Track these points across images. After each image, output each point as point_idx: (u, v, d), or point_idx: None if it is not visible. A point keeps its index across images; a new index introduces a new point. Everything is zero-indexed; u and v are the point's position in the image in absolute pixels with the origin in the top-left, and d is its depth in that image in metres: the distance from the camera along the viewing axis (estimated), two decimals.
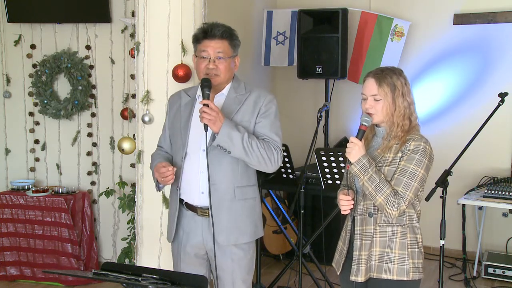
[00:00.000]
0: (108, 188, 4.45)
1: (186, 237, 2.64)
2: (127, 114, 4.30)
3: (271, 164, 2.52)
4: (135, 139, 3.59)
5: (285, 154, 3.90)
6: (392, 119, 2.35)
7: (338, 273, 2.53)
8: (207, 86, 2.48)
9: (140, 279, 1.89)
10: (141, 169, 3.32)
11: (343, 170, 3.63)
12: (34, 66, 4.67)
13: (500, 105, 3.16)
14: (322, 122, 4.68)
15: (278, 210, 4.69)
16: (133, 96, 4.24)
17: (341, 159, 3.61)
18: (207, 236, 2.58)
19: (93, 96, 4.65)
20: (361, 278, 2.36)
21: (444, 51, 5.17)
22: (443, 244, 2.97)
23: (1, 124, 4.80)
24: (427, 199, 2.90)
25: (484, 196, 4.42)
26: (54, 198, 4.36)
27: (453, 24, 5.11)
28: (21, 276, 4.44)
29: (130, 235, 4.20)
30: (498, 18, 4.94)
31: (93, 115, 4.66)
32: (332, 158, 3.65)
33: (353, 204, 2.38)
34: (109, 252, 4.73)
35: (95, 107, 4.66)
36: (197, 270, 2.65)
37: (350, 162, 2.31)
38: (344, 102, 5.56)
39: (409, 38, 5.08)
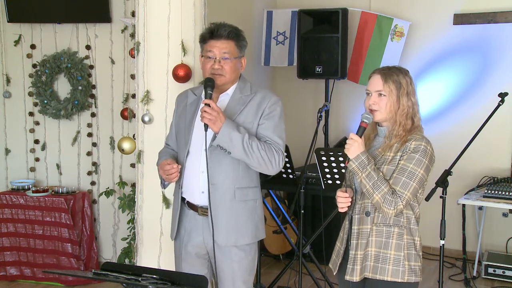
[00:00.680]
0: (108, 188, 4.45)
1: (188, 236, 2.65)
2: (127, 114, 4.30)
3: (272, 166, 2.51)
4: (135, 139, 3.59)
5: (285, 154, 3.89)
6: (395, 117, 2.34)
7: (334, 273, 2.52)
8: (210, 86, 2.49)
9: (140, 279, 1.89)
10: (141, 169, 3.32)
11: (343, 170, 3.62)
12: (34, 66, 4.68)
13: (500, 105, 3.16)
14: (322, 122, 4.68)
15: (278, 210, 4.68)
16: (133, 96, 4.24)
17: (341, 159, 3.61)
18: (207, 236, 2.58)
19: (93, 96, 4.65)
20: (356, 278, 2.35)
21: (444, 51, 5.17)
22: (443, 244, 2.97)
23: (1, 124, 4.80)
24: (427, 199, 2.90)
25: (484, 196, 4.42)
26: (54, 198, 4.36)
27: (453, 24, 5.11)
28: (21, 276, 4.44)
29: (130, 235, 4.20)
30: (498, 18, 4.94)
31: (93, 115, 4.66)
32: (332, 158, 3.65)
33: (351, 202, 2.38)
34: (109, 252, 4.73)
35: (95, 107, 4.66)
36: (198, 269, 2.65)
37: (349, 158, 2.31)
38: (344, 102, 5.56)
39: (409, 38, 5.08)
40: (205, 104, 2.42)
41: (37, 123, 4.76)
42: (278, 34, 5.48)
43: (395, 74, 2.35)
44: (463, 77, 5.13)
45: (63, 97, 4.65)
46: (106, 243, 4.73)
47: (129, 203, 4.14)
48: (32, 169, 4.80)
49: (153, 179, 3.21)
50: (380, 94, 2.34)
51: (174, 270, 2.76)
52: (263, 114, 2.55)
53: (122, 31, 4.46)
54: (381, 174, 2.29)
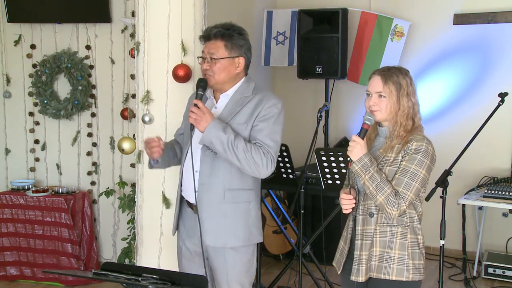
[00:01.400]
0: (108, 188, 4.45)
1: (186, 233, 2.68)
2: (127, 114, 4.30)
3: (258, 169, 2.47)
4: (135, 139, 3.59)
5: (285, 154, 3.90)
6: (396, 118, 2.35)
7: (338, 273, 2.54)
8: (202, 86, 2.51)
9: (140, 279, 1.89)
10: (141, 169, 3.32)
11: (343, 170, 3.63)
12: (34, 66, 4.67)
13: (500, 105, 3.16)
14: (322, 122, 4.68)
15: (278, 210, 4.68)
16: (133, 96, 4.24)
17: (341, 159, 3.61)
18: (201, 234, 2.59)
19: (93, 96, 4.65)
20: (362, 278, 2.36)
21: (444, 51, 5.17)
22: (443, 244, 2.97)
23: (1, 124, 4.80)
24: (427, 199, 2.90)
25: (484, 196, 4.42)
26: (54, 198, 4.36)
27: (453, 24, 5.11)
28: (21, 276, 4.44)
29: (130, 235, 4.20)
30: (498, 18, 4.94)
31: (93, 115, 4.66)
32: (332, 158, 3.65)
33: (354, 203, 2.38)
34: (109, 252, 4.73)
35: (95, 107, 4.66)
36: (197, 266, 2.67)
37: (352, 160, 2.32)
38: (344, 102, 5.56)
39: (409, 38, 5.08)
40: (194, 104, 2.45)
41: (37, 123, 4.76)
42: (278, 34, 5.48)
43: (395, 75, 2.35)
44: (463, 77, 5.13)
45: (63, 97, 4.65)
46: (106, 243, 4.73)
47: (129, 203, 4.14)
48: (32, 169, 4.80)
49: (153, 179, 3.21)
50: (380, 95, 2.35)
51: (174, 269, 2.77)
52: (258, 116, 2.52)
53: (122, 31, 4.46)
54: (383, 175, 2.30)
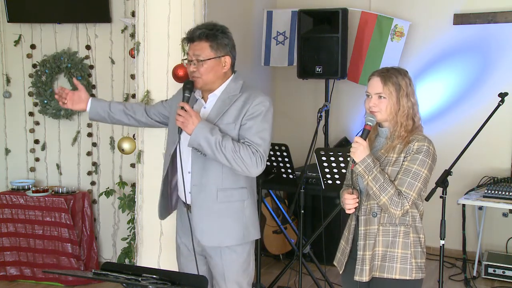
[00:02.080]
0: (108, 188, 4.45)
1: (184, 231, 2.70)
2: None
3: (247, 168, 2.46)
4: (135, 139, 3.59)
5: (285, 154, 3.90)
6: (396, 118, 2.36)
7: (340, 272, 2.54)
8: (188, 88, 2.51)
9: (140, 279, 1.89)
10: (141, 169, 3.31)
11: (343, 170, 3.63)
12: (34, 66, 4.67)
13: (500, 105, 3.16)
14: (322, 122, 4.68)
15: (278, 210, 4.69)
16: (133, 96, 4.24)
17: (341, 159, 3.61)
18: (197, 235, 2.60)
19: (93, 96, 4.65)
20: (365, 278, 2.37)
21: (444, 51, 5.17)
22: (443, 244, 2.97)
23: (1, 124, 4.80)
24: (427, 199, 2.89)
25: (484, 196, 4.42)
26: (54, 198, 4.36)
27: (453, 24, 5.11)
28: (21, 276, 4.44)
29: (130, 235, 4.20)
30: (498, 18, 4.94)
31: None
32: (332, 158, 3.65)
33: (357, 203, 2.39)
34: (109, 252, 4.73)
35: None
36: (195, 265, 2.65)
37: (355, 161, 2.32)
38: (344, 102, 5.56)
39: (409, 38, 5.08)
40: (181, 107, 2.45)
41: (37, 123, 4.76)
42: (278, 34, 5.48)
43: (394, 76, 2.36)
44: (463, 77, 5.13)
45: None
46: (106, 243, 4.73)
47: (129, 203, 4.13)
48: (32, 169, 4.80)
49: (153, 179, 3.20)
50: (380, 96, 2.36)
51: (174, 269, 2.77)
52: (245, 114, 2.50)
53: (122, 31, 4.46)
54: (386, 176, 2.31)
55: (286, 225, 4.76)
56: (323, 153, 3.67)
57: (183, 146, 2.54)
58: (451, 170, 2.96)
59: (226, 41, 2.55)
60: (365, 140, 2.33)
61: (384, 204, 2.29)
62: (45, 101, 4.60)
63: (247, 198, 2.63)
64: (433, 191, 2.94)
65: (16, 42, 4.68)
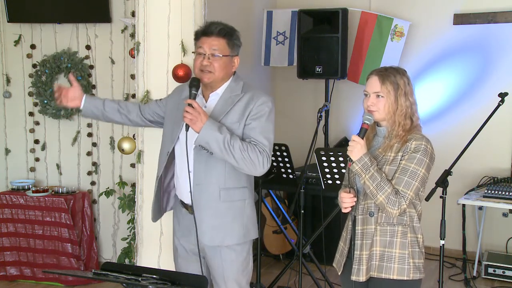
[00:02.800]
0: (108, 188, 4.45)
1: (182, 232, 2.69)
2: None
3: (254, 167, 2.47)
4: (135, 139, 3.59)
5: (285, 154, 3.90)
6: (394, 118, 2.36)
7: (339, 273, 2.53)
8: (195, 86, 2.50)
9: (140, 279, 1.89)
10: (141, 169, 3.32)
11: (343, 170, 3.63)
12: (34, 66, 4.67)
13: (500, 105, 3.16)
14: (322, 122, 4.68)
15: (278, 210, 4.68)
16: (133, 96, 4.24)
17: (341, 159, 3.61)
18: (198, 234, 2.59)
19: (93, 96, 4.65)
20: (362, 278, 2.36)
21: (444, 51, 5.17)
22: (443, 244, 2.97)
23: (1, 124, 4.80)
24: (427, 199, 2.90)
25: (484, 196, 4.42)
26: (54, 198, 4.36)
27: (453, 24, 5.11)
28: (21, 276, 4.44)
29: (130, 235, 4.20)
30: (498, 18, 4.94)
31: None
32: (332, 158, 3.65)
33: (354, 202, 2.39)
34: (109, 252, 4.72)
35: None
36: (193, 267, 2.67)
37: (352, 160, 2.32)
38: (344, 102, 5.56)
39: (409, 38, 5.08)
40: (188, 104, 2.43)
41: (37, 123, 4.76)
42: (278, 34, 5.48)
43: (392, 75, 2.36)
44: (463, 77, 5.13)
45: None
46: (106, 243, 4.73)
47: (129, 203, 4.13)
48: (32, 169, 4.80)
49: (153, 179, 3.20)
50: (378, 96, 2.36)
51: (174, 269, 2.77)
52: (250, 114, 2.52)
53: (122, 31, 4.46)
54: (383, 175, 2.31)
55: (286, 225, 4.76)
56: (323, 153, 3.67)
57: (184, 145, 2.53)
58: (451, 170, 2.96)
59: (239, 42, 2.59)
60: (362, 138, 2.33)
61: (381, 203, 2.29)
62: (45, 101, 4.60)
63: (248, 198, 2.65)
64: (433, 191, 2.94)
65: (16, 42, 4.68)
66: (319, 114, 3.74)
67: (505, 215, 4.91)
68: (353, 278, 2.38)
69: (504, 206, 4.33)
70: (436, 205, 3.01)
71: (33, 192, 4.40)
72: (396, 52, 5.03)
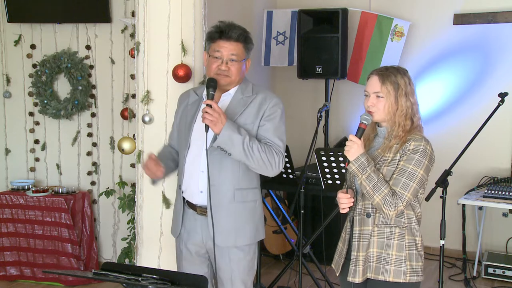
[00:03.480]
0: (108, 188, 4.45)
1: (187, 235, 2.66)
2: (127, 114, 4.30)
3: (272, 168, 2.50)
4: (135, 139, 3.59)
5: (285, 154, 3.89)
6: (394, 118, 2.34)
7: (337, 274, 2.52)
8: (213, 86, 2.48)
9: (140, 279, 1.89)
10: (141, 169, 3.31)
11: (343, 170, 3.62)
12: (34, 66, 4.68)
13: (500, 105, 3.15)
14: (322, 122, 4.68)
15: (278, 210, 4.68)
16: (133, 96, 4.24)
17: (341, 159, 3.61)
18: (206, 236, 2.59)
19: (93, 96, 4.65)
20: (358, 279, 2.35)
21: (444, 51, 5.17)
22: (443, 244, 2.97)
23: (1, 124, 4.80)
24: (427, 199, 2.90)
25: (484, 196, 4.42)
26: (54, 198, 4.36)
27: (453, 24, 5.11)
28: (21, 276, 4.44)
29: (130, 235, 4.20)
30: (498, 18, 4.94)
31: (93, 115, 4.66)
32: (332, 158, 3.65)
33: (353, 202, 2.38)
34: (109, 252, 4.72)
35: (95, 107, 4.66)
36: (198, 268, 2.66)
37: (349, 160, 2.31)
38: (344, 102, 5.56)
39: (409, 38, 5.08)
40: (207, 104, 2.41)
41: (37, 123, 4.76)
42: (278, 34, 5.48)
43: (392, 75, 2.34)
44: (463, 77, 5.13)
45: (63, 97, 4.65)
46: (106, 243, 4.73)
47: (129, 203, 4.14)
48: (32, 169, 4.80)
49: None
50: (378, 96, 2.34)
51: (174, 269, 2.77)
52: (264, 115, 2.54)
53: (122, 31, 4.46)
54: (381, 175, 2.29)
55: (286, 225, 4.76)
56: (323, 153, 3.67)
57: (200, 144, 2.53)
58: (451, 170, 2.96)
59: (252, 46, 2.61)
60: (359, 138, 2.31)
61: (378, 204, 2.27)
62: (45, 101, 4.60)
63: (258, 199, 2.67)
64: (433, 191, 2.94)
65: (16, 42, 4.68)
66: (319, 114, 3.74)
67: (505, 215, 4.91)
68: (349, 279, 2.37)
69: (504, 206, 4.33)
70: (436, 205, 3.01)
71: (33, 192, 4.40)
72: (396, 52, 5.03)
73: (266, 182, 3.97)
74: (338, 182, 3.69)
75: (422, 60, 5.23)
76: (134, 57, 3.53)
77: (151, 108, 3.25)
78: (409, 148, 2.29)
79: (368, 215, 2.35)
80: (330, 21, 5.01)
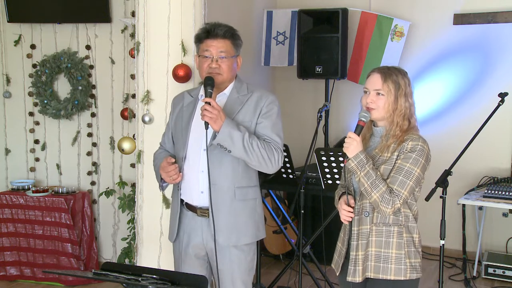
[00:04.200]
0: (108, 188, 4.45)
1: (187, 238, 2.64)
2: (127, 114, 4.30)
3: (271, 164, 2.51)
4: (135, 139, 3.59)
5: (285, 154, 3.89)
6: (392, 117, 2.35)
7: (337, 274, 2.53)
8: (210, 84, 2.49)
9: (140, 279, 1.89)
10: (141, 169, 3.32)
11: (342, 170, 3.62)
12: (34, 66, 4.68)
13: (500, 105, 3.16)
14: (322, 122, 4.68)
15: (278, 210, 4.68)
16: (133, 96, 4.24)
17: (341, 159, 3.61)
18: (207, 237, 2.58)
19: (93, 96, 4.65)
20: (358, 279, 2.36)
21: (444, 51, 5.17)
22: (443, 244, 2.97)
23: (1, 124, 4.80)
24: (427, 199, 2.90)
25: (484, 196, 4.42)
26: (54, 198, 4.36)
27: (453, 24, 5.11)
28: (21, 276, 4.44)
29: (130, 235, 4.20)
30: (498, 18, 4.94)
31: (93, 115, 4.66)
32: (332, 158, 3.65)
33: (351, 218, 2.38)
34: (109, 252, 4.73)
35: (95, 107, 4.66)
36: (197, 271, 2.64)
37: (348, 157, 2.32)
38: (344, 102, 5.56)
39: (409, 38, 5.08)
40: (206, 102, 2.42)
41: (37, 123, 4.76)
42: (278, 34, 5.48)
43: (394, 74, 2.36)
44: (463, 77, 5.13)
45: (63, 97, 4.65)
46: (106, 243, 4.73)
47: (129, 203, 4.14)
48: (32, 169, 4.80)
49: (153, 179, 3.20)
50: (379, 93, 2.35)
51: (174, 269, 2.76)
52: (261, 113, 2.55)
53: (122, 31, 4.46)
54: (379, 173, 2.30)
55: (286, 225, 4.76)
56: (323, 153, 3.67)
57: (198, 144, 2.53)
58: (451, 170, 2.96)
59: (240, 42, 2.62)
60: (358, 135, 2.32)
61: (375, 201, 2.28)
62: (45, 101, 4.60)
63: (258, 197, 2.67)
64: (433, 191, 2.94)
65: (16, 42, 4.68)
66: (319, 114, 3.74)
67: (505, 215, 4.91)
68: (349, 279, 2.38)
69: (504, 206, 4.33)
70: (436, 205, 3.01)
71: (33, 192, 4.40)
72: (396, 52, 5.03)
73: (266, 182, 3.97)
74: (338, 182, 3.69)
75: (422, 60, 5.23)
76: (134, 57, 3.53)
77: (151, 108, 3.25)
78: (406, 148, 2.31)
79: (366, 214, 2.36)
80: (330, 21, 5.01)
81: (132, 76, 4.30)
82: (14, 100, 4.76)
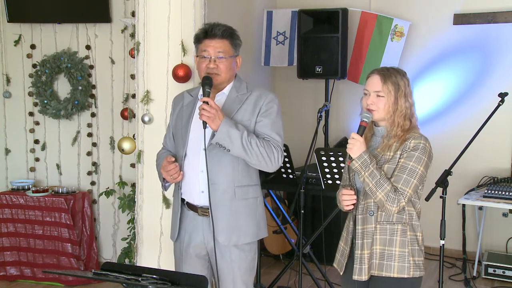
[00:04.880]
0: (108, 188, 4.45)
1: (188, 237, 2.64)
2: (127, 114, 4.30)
3: (271, 163, 2.50)
4: (135, 139, 3.59)
5: (285, 154, 3.89)
6: (393, 117, 2.37)
7: (341, 274, 2.53)
8: (208, 84, 2.49)
9: (140, 279, 1.89)
10: (141, 169, 3.32)
11: (343, 170, 3.62)
12: (34, 66, 4.68)
13: (500, 105, 3.16)
14: (322, 122, 4.68)
15: (278, 210, 4.68)
16: (133, 96, 4.24)
17: (341, 159, 3.61)
18: (208, 236, 2.58)
19: (93, 96, 4.65)
20: (364, 277, 2.37)
21: (444, 51, 5.17)
22: (443, 244, 2.97)
23: (1, 124, 4.80)
24: (427, 199, 2.90)
25: (484, 196, 4.42)
26: (54, 198, 4.36)
27: (453, 24, 5.11)
28: (21, 276, 4.44)
29: (130, 235, 4.20)
30: (498, 18, 4.94)
31: (93, 115, 4.66)
32: (332, 158, 3.65)
33: (355, 199, 2.38)
34: (109, 252, 4.73)
35: (95, 107, 4.66)
36: (198, 271, 2.64)
37: (351, 158, 2.32)
38: (344, 102, 5.56)
39: (409, 38, 5.08)
40: (204, 102, 2.42)
41: (37, 123, 4.76)
42: (278, 34, 5.48)
43: (393, 76, 2.37)
44: (463, 77, 5.13)
45: (63, 97, 4.65)
46: (106, 243, 4.73)
47: (129, 203, 4.14)
48: (32, 169, 4.80)
49: (153, 179, 3.21)
50: (379, 95, 2.36)
51: (174, 269, 2.76)
52: (260, 111, 2.54)
53: (122, 31, 4.46)
54: (383, 172, 2.32)
55: (286, 225, 4.76)
56: (323, 153, 3.67)
57: (198, 144, 2.53)
58: (451, 170, 2.96)
59: (239, 42, 2.61)
60: (361, 136, 2.34)
61: (380, 201, 2.30)
62: (45, 101, 4.60)
63: (259, 196, 2.67)
64: (433, 191, 2.94)
65: (16, 42, 4.68)
66: (319, 114, 3.74)
67: (505, 215, 4.91)
68: (355, 277, 2.38)
69: (504, 206, 4.33)
70: (436, 205, 3.01)
71: (33, 192, 4.40)
72: (396, 52, 5.03)
73: (266, 182, 3.97)
74: (338, 182, 3.69)
75: (422, 60, 5.23)
76: (134, 57, 3.53)
77: (151, 108, 3.25)
78: (409, 146, 2.33)
79: (371, 213, 2.37)
80: (330, 21, 5.01)
81: (132, 76, 4.30)
82: (14, 100, 4.76)
